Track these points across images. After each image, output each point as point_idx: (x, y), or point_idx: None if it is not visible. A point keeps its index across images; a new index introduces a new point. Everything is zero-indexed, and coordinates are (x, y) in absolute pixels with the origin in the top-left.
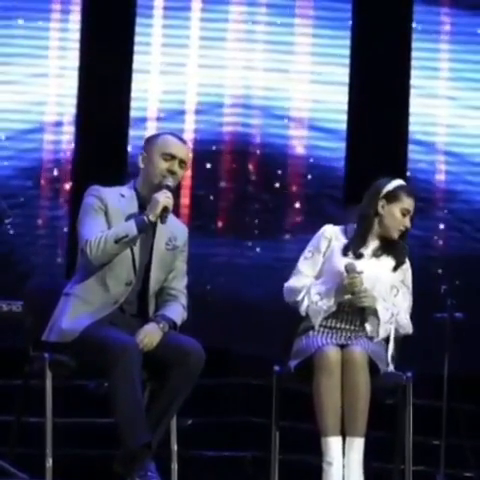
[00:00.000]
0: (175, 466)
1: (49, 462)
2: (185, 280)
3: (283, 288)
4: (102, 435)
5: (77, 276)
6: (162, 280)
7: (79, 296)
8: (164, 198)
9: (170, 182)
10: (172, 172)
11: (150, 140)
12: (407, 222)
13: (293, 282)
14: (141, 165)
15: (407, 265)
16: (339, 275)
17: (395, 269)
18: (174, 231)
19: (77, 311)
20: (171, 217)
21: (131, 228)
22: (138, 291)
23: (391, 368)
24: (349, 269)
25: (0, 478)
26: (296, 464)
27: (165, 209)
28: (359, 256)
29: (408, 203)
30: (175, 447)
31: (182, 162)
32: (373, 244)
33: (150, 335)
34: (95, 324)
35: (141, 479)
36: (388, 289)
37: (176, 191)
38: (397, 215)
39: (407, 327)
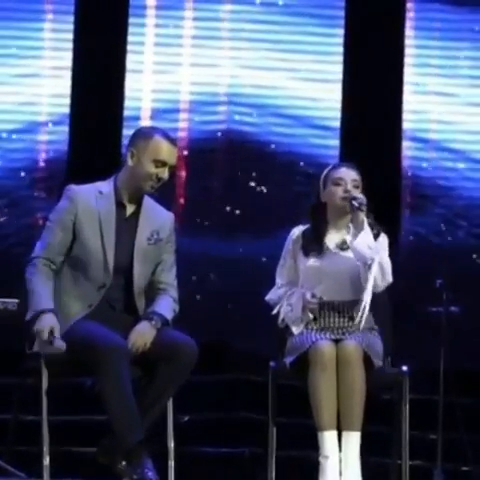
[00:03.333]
0: (172, 463)
1: (46, 460)
2: (174, 272)
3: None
4: (99, 432)
5: (57, 282)
6: (148, 274)
7: (55, 301)
8: (39, 334)
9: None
10: (160, 179)
11: (142, 138)
12: (343, 188)
13: (270, 296)
14: (129, 162)
15: (381, 241)
16: (305, 279)
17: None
18: (157, 222)
19: (60, 313)
20: (155, 206)
21: (29, 312)
22: (123, 287)
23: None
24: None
25: None
26: (293, 459)
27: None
28: (318, 252)
29: (336, 173)
30: (172, 444)
31: (171, 168)
32: (338, 236)
33: (142, 336)
34: (81, 323)
35: (138, 476)
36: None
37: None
38: (332, 190)
39: (388, 270)
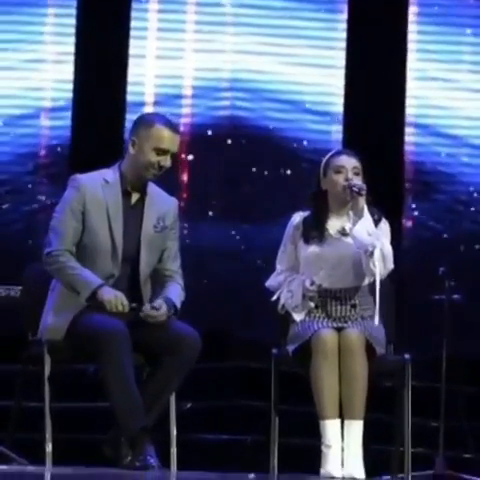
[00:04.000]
0: (174, 450)
1: (49, 447)
2: (179, 259)
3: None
4: (102, 419)
5: None
6: (154, 262)
7: (63, 291)
8: (110, 304)
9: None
10: (162, 167)
11: (143, 126)
12: (344, 176)
13: (270, 282)
14: (131, 151)
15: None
16: (306, 266)
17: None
18: (162, 209)
19: (62, 306)
20: (159, 192)
21: (84, 293)
22: (129, 277)
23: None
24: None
25: (0, 463)
26: (295, 447)
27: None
28: (319, 239)
29: (336, 161)
30: (174, 431)
31: (174, 154)
32: (338, 223)
33: (156, 314)
34: (84, 311)
35: (140, 463)
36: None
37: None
38: (333, 178)
39: (390, 257)
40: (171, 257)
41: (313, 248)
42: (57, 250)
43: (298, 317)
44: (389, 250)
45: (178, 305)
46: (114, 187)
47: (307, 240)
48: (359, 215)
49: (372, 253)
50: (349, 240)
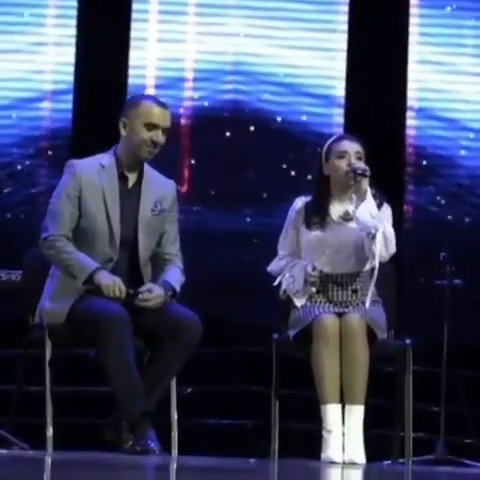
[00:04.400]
0: (175, 434)
1: (49, 431)
2: (178, 242)
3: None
4: (102, 403)
5: None
6: (153, 246)
7: (62, 276)
8: (108, 289)
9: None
10: (156, 143)
11: (131, 106)
12: (347, 161)
13: (271, 267)
14: (122, 133)
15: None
16: (307, 251)
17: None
18: (160, 192)
19: (62, 291)
20: (156, 175)
21: (80, 277)
22: (128, 261)
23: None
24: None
25: (1, 447)
26: (296, 432)
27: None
28: (321, 225)
29: (339, 146)
30: (175, 415)
31: (165, 129)
32: (341, 208)
33: (153, 298)
34: (84, 296)
35: (141, 447)
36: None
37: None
38: (336, 163)
39: (392, 240)
40: (170, 240)
41: (315, 233)
42: (54, 235)
43: (299, 302)
44: (392, 233)
45: (177, 288)
46: (110, 171)
47: (309, 225)
48: (362, 198)
49: (374, 236)
50: (351, 225)
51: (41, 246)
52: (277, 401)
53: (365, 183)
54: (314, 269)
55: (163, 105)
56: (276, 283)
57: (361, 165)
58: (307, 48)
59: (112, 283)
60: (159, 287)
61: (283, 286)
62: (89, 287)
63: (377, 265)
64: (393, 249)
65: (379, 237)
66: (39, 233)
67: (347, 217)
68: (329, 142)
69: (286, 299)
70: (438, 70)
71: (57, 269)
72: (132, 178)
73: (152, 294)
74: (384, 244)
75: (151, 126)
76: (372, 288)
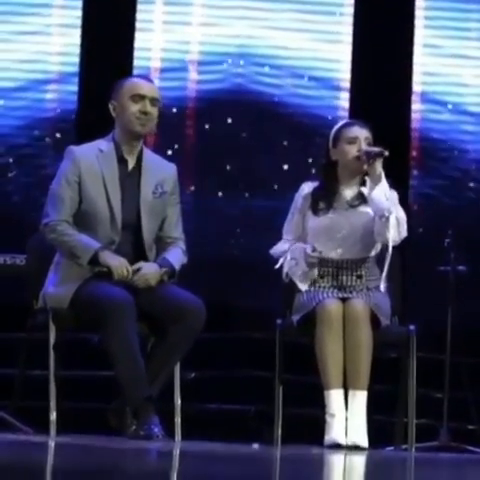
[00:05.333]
0: (178, 420)
1: (53, 415)
2: (180, 225)
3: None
4: (106, 388)
5: None
6: (155, 229)
7: (66, 262)
8: (116, 270)
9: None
10: (145, 113)
11: (118, 87)
12: (357, 147)
13: (274, 250)
14: (114, 114)
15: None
16: (313, 237)
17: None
18: (160, 175)
19: (66, 277)
20: (156, 158)
21: (84, 257)
22: (133, 244)
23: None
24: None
25: (4, 431)
26: (299, 417)
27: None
28: (328, 211)
29: (349, 132)
30: (178, 401)
31: (154, 100)
32: (348, 193)
33: (145, 276)
34: (88, 281)
35: (145, 432)
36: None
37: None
38: (346, 149)
39: (404, 224)
40: (173, 224)
41: (321, 219)
42: (54, 220)
43: (303, 287)
44: (403, 217)
45: (176, 266)
46: (109, 155)
47: (315, 211)
48: (377, 180)
49: (388, 218)
50: (359, 211)
51: (43, 232)
52: (280, 386)
53: (379, 166)
54: (314, 250)
55: (148, 79)
56: (277, 266)
57: (374, 148)
58: (312, 33)
59: (119, 264)
60: (152, 265)
61: (285, 269)
62: (95, 268)
63: (391, 249)
64: (404, 233)
65: (392, 220)
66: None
67: (354, 203)
68: (337, 127)
69: (289, 283)
70: (444, 55)
71: (61, 256)
72: (131, 161)
73: (140, 273)
74: (396, 228)
75: (137, 97)
76: (386, 271)
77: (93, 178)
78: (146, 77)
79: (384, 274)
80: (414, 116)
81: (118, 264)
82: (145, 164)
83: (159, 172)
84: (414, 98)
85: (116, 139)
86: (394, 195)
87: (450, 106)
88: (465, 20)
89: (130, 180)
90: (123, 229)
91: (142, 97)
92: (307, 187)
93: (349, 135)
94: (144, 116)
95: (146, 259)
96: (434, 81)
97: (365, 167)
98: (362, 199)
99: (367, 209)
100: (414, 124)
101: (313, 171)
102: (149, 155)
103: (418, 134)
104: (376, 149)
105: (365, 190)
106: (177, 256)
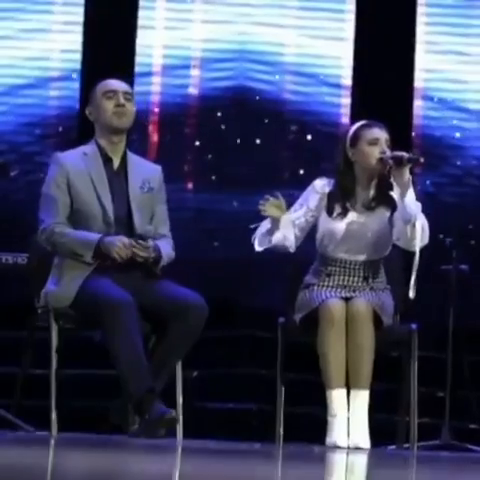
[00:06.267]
0: (180, 417)
1: (54, 414)
2: (168, 223)
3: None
4: (107, 387)
5: None
6: (147, 223)
7: (65, 261)
8: (117, 249)
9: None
10: (120, 106)
11: (91, 95)
12: (379, 148)
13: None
14: (92, 119)
15: None
16: (328, 237)
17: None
18: (146, 173)
19: (67, 276)
20: (140, 160)
21: (87, 254)
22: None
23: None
24: None
25: (5, 430)
26: (301, 416)
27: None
28: (344, 213)
29: (370, 133)
30: (180, 399)
31: (126, 94)
32: (364, 195)
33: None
34: (89, 280)
35: (155, 416)
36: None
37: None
38: (366, 150)
39: (427, 231)
40: (161, 221)
41: (337, 223)
42: (49, 225)
43: (258, 247)
44: (426, 224)
45: (164, 256)
46: (94, 157)
47: (331, 213)
48: (407, 185)
49: (414, 224)
50: (373, 214)
51: (41, 239)
52: (282, 385)
53: (407, 171)
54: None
55: (118, 79)
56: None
57: (402, 152)
58: (314, 33)
59: (118, 249)
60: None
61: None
62: (98, 260)
63: (418, 254)
64: (426, 240)
65: (418, 227)
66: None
67: (371, 206)
68: (356, 128)
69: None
70: (446, 57)
71: (63, 257)
72: (116, 160)
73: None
74: (421, 234)
75: (110, 93)
76: (414, 278)
77: (81, 179)
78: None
79: (412, 281)
80: (415, 116)
81: (117, 249)
82: (130, 163)
83: (144, 170)
84: (416, 98)
85: (98, 142)
86: (418, 202)
87: (451, 104)
88: (467, 17)
89: (117, 178)
90: (116, 225)
91: (114, 92)
92: (321, 184)
93: (370, 136)
94: (120, 109)
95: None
96: (435, 81)
97: (385, 171)
98: (378, 201)
99: (383, 212)
100: (415, 124)
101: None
102: (134, 156)
103: (419, 132)
104: (405, 154)
105: (395, 195)
106: (166, 247)
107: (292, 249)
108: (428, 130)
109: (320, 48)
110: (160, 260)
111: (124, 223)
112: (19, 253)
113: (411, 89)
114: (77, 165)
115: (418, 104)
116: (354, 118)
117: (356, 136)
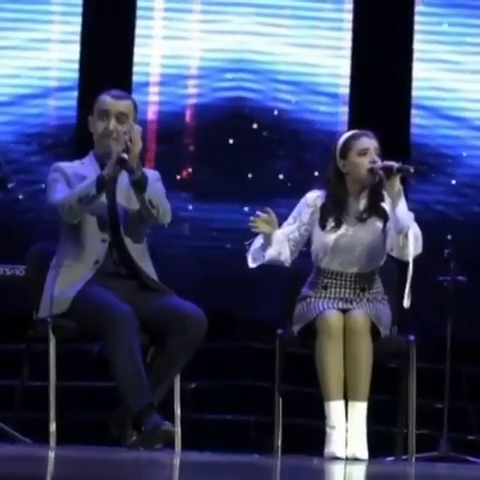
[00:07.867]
0: (178, 429)
1: (53, 426)
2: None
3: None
4: (106, 398)
5: (59, 248)
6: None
7: (63, 265)
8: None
9: (125, 155)
10: (109, 129)
11: (94, 104)
12: (369, 158)
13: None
14: (91, 130)
15: None
16: (322, 250)
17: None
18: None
19: (64, 281)
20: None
21: (91, 186)
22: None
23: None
24: None
25: (4, 442)
26: (299, 428)
27: (121, 161)
28: (337, 225)
29: (359, 144)
30: (178, 411)
31: (122, 115)
32: (356, 206)
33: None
34: (87, 289)
35: (152, 427)
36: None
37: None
38: (357, 161)
39: (420, 240)
40: (158, 191)
41: (331, 236)
42: (60, 200)
43: (251, 263)
44: (419, 233)
45: (151, 190)
46: (92, 163)
47: (324, 226)
48: (399, 195)
49: (406, 234)
50: (365, 225)
51: (62, 214)
52: (280, 397)
53: (398, 182)
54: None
55: (117, 96)
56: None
57: (391, 162)
58: (311, 45)
59: (116, 152)
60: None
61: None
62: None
63: (411, 264)
64: (420, 249)
65: (411, 236)
66: (45, 228)
67: (363, 217)
68: (344, 139)
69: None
70: (443, 67)
71: (58, 260)
72: None
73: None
74: (414, 243)
75: (103, 113)
76: (408, 287)
77: (81, 180)
78: (116, 93)
79: (407, 290)
80: (413, 129)
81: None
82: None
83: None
84: (413, 111)
85: (96, 151)
86: (410, 212)
87: (450, 118)
88: (464, 25)
89: (113, 182)
90: (110, 227)
91: (107, 113)
92: (313, 197)
93: (360, 147)
94: (108, 132)
95: (139, 269)
96: (433, 93)
97: (376, 180)
98: (370, 212)
99: (375, 222)
100: (413, 136)
101: (314, 182)
102: None
103: (417, 146)
104: (395, 164)
105: (386, 206)
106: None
107: (287, 263)
108: (425, 141)
109: (318, 58)
110: (146, 182)
111: (117, 224)
112: (17, 265)
113: (408, 99)
114: (77, 170)
115: (416, 115)
116: (352, 129)
117: (345, 147)
